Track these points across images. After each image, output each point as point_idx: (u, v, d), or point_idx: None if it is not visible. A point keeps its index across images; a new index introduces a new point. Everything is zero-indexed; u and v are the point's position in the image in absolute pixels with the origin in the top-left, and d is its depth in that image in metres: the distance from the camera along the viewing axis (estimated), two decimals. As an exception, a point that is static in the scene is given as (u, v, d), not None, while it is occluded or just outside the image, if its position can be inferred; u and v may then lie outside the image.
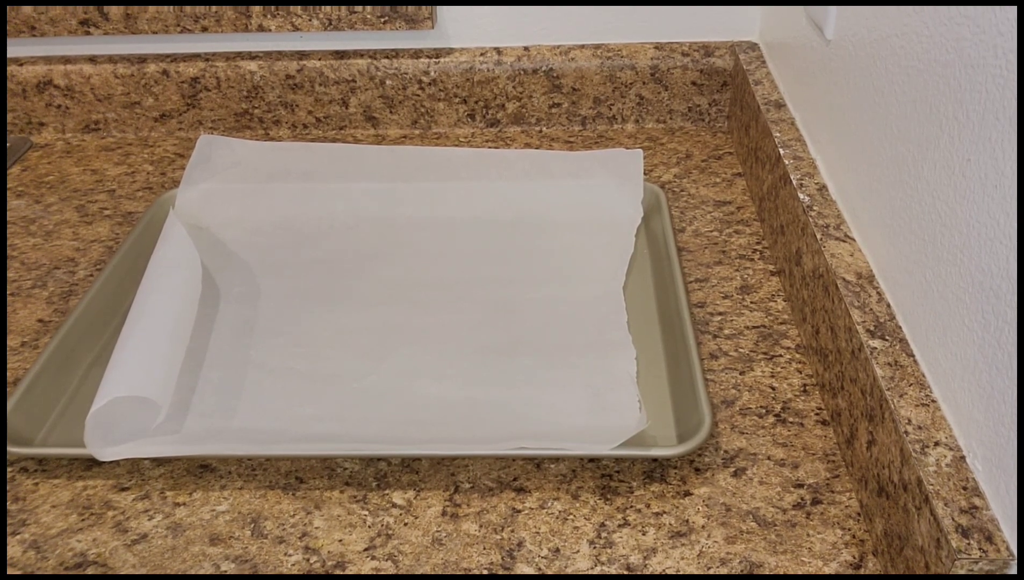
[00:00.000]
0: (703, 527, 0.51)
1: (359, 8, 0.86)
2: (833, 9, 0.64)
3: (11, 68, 0.90)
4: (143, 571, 0.50)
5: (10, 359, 0.65)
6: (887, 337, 0.52)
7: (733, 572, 0.49)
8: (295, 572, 0.49)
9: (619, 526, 0.51)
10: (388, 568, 0.49)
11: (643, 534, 0.51)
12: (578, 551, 0.50)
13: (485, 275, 0.71)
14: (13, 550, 0.51)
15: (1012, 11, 0.40)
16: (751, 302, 0.68)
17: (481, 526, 0.52)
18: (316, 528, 0.52)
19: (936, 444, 0.45)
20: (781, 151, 0.70)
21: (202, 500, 0.54)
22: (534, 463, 0.55)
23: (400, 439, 0.55)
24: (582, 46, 0.90)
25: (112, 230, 0.79)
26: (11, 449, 0.54)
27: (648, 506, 0.52)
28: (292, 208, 0.79)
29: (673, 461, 0.55)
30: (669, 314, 0.64)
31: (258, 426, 0.57)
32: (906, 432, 0.46)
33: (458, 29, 0.90)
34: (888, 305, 0.54)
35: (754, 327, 0.65)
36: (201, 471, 0.56)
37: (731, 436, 0.57)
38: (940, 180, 0.47)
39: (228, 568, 0.50)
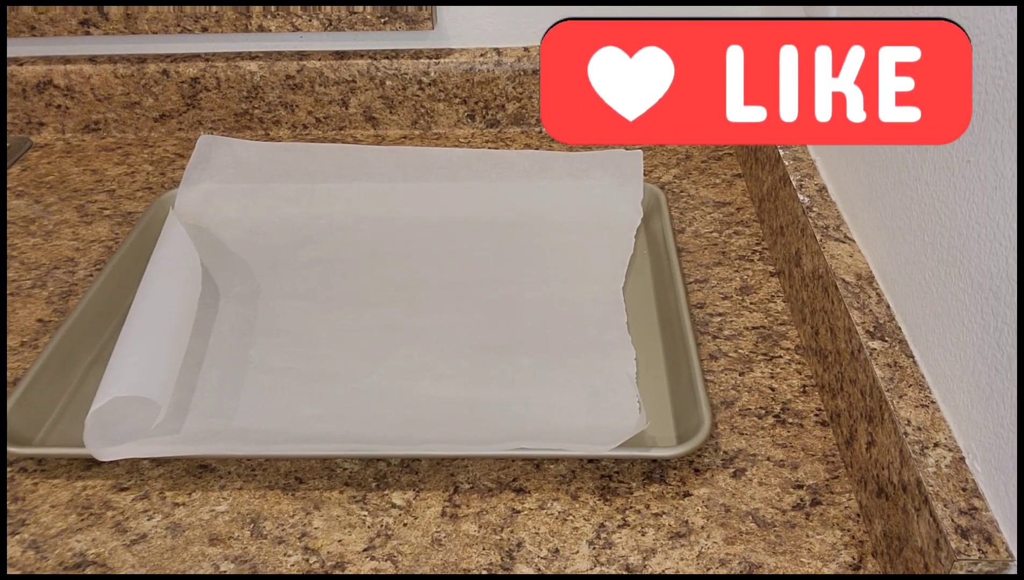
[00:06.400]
0: (702, 528, 0.51)
1: (359, 8, 0.86)
2: (833, 9, 0.64)
3: (11, 68, 0.90)
4: (142, 571, 0.50)
5: (10, 359, 0.65)
6: (886, 338, 0.52)
7: (732, 573, 0.49)
8: (294, 572, 0.49)
9: (618, 527, 0.51)
10: (387, 568, 0.49)
11: (642, 535, 0.51)
12: (577, 552, 0.50)
13: (485, 275, 0.71)
14: (13, 550, 0.51)
15: (1012, 11, 0.40)
16: (751, 303, 0.68)
17: (480, 526, 0.52)
18: (315, 528, 0.52)
19: (935, 445, 0.45)
20: (781, 152, 0.70)
21: (201, 500, 0.54)
22: (533, 464, 0.55)
23: (400, 439, 0.55)
24: (582, 46, 0.90)
25: (112, 230, 0.79)
26: (11, 449, 0.54)
27: (647, 507, 0.52)
28: (292, 208, 0.78)
29: (672, 462, 0.55)
30: (669, 315, 0.64)
31: (258, 426, 0.57)
32: (905, 433, 0.46)
33: (458, 29, 0.90)
34: (888, 306, 0.54)
35: (754, 328, 0.65)
36: (200, 471, 0.56)
37: (730, 437, 0.57)
38: (940, 181, 0.47)
39: (227, 568, 0.50)
